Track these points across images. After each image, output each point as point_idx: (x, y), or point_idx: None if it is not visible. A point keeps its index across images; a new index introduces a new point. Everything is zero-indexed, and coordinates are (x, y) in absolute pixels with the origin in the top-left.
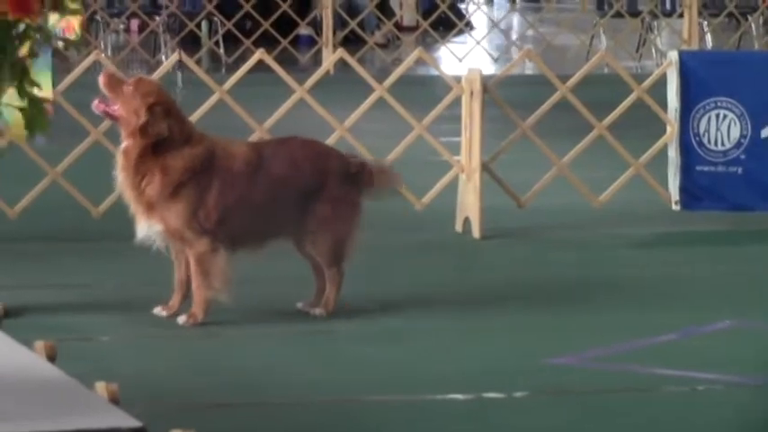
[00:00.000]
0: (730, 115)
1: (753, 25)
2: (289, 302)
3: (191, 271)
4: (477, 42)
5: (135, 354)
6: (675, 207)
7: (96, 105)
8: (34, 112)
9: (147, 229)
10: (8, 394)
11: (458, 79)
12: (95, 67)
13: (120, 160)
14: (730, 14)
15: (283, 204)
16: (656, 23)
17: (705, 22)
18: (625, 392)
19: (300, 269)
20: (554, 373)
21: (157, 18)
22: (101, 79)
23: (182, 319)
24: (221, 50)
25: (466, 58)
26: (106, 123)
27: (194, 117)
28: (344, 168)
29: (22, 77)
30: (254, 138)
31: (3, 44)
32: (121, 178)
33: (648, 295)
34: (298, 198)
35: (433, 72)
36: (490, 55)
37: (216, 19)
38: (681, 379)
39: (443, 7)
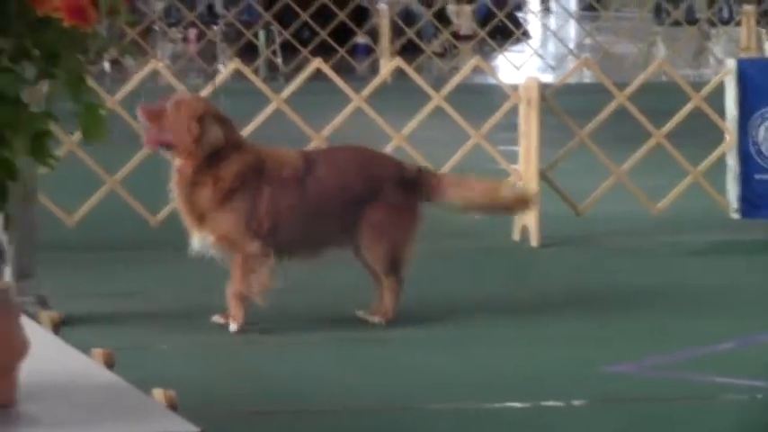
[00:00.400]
0: None
1: None
2: (349, 310)
3: (232, 272)
4: (535, 51)
5: (191, 361)
6: (734, 215)
7: (148, 142)
8: (90, 118)
9: (201, 240)
10: (66, 400)
11: (515, 88)
12: (153, 77)
13: (175, 177)
14: None
15: (336, 212)
16: (713, 31)
17: (763, 30)
18: (684, 401)
19: (361, 277)
20: (612, 381)
21: (215, 27)
22: (140, 115)
23: (232, 327)
24: (278, 59)
25: (523, 67)
26: None
27: (251, 126)
28: (399, 175)
29: (78, 84)
30: (311, 146)
31: (57, 51)
32: (177, 194)
33: (706, 303)
34: (351, 206)
35: (491, 81)
36: (547, 63)
37: (273, 28)
38: (739, 387)
39: (501, 16)
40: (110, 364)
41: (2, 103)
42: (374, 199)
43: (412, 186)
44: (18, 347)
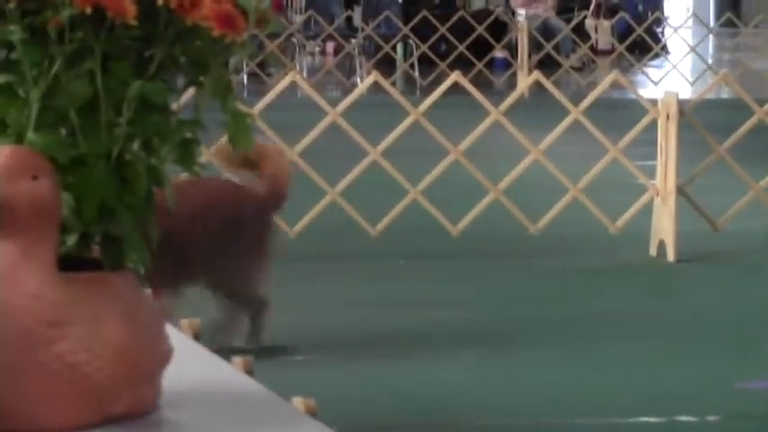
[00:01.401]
0: None
1: None
2: (473, 326)
3: None
4: (674, 66)
5: (327, 373)
6: None
7: None
8: (238, 127)
9: None
10: (210, 406)
11: (654, 102)
12: (292, 89)
13: None
14: None
15: (183, 247)
16: None
17: None
18: None
19: (515, 292)
20: (749, 397)
21: (353, 41)
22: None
23: None
24: (416, 73)
25: (661, 82)
26: (302, 145)
27: (390, 138)
28: (241, 206)
29: (225, 93)
30: (444, 161)
31: (206, 60)
32: None
33: None
34: (195, 241)
35: (629, 95)
36: (686, 79)
37: (411, 41)
38: None
39: (639, 30)
40: (249, 371)
41: (151, 111)
42: (220, 232)
43: (257, 214)
44: (163, 354)
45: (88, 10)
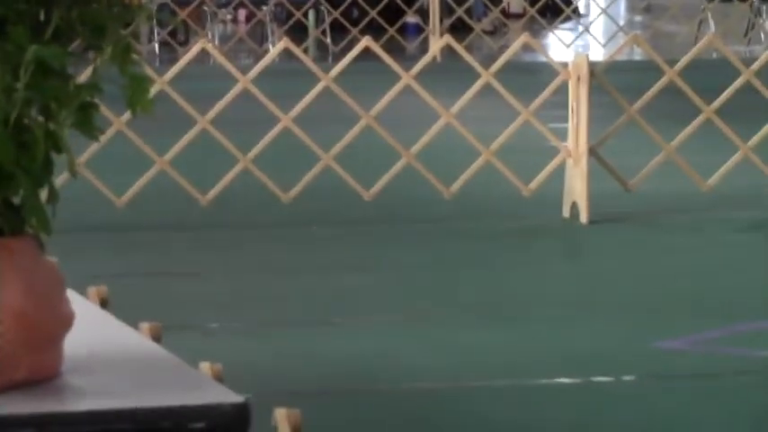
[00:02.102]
0: None
1: None
2: (398, 291)
3: None
4: (585, 29)
5: (242, 340)
6: None
7: None
8: (137, 91)
9: None
10: (112, 372)
11: (565, 65)
12: (203, 57)
13: None
14: None
15: None
16: (764, 8)
17: None
18: (736, 376)
19: (431, 259)
20: (664, 356)
21: (264, 8)
22: None
23: None
24: (328, 39)
25: (573, 45)
26: (214, 112)
27: (300, 105)
28: None
29: (124, 57)
30: (359, 125)
31: (104, 23)
32: None
33: (761, 278)
34: None
35: (540, 58)
36: (597, 41)
37: (323, 8)
38: None
39: None
40: (157, 337)
41: (49, 75)
42: None
43: None
44: (64, 319)
45: None
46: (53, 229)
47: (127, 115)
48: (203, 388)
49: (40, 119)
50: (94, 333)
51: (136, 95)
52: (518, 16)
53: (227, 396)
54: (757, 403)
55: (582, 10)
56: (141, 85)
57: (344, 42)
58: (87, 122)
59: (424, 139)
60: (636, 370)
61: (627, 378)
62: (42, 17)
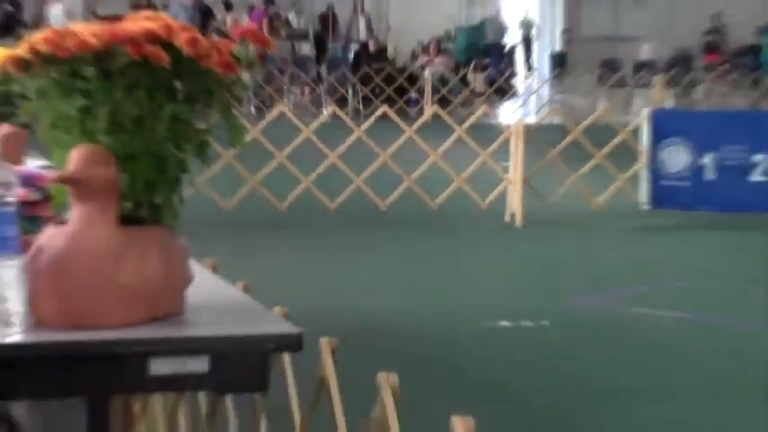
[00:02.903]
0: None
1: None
2: (394, 263)
3: None
4: (523, 102)
5: (297, 292)
6: (645, 207)
7: None
8: (234, 132)
9: None
10: (216, 311)
11: (508, 126)
12: (281, 116)
13: None
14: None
15: None
16: (636, 92)
17: (667, 92)
18: (617, 323)
19: (413, 245)
20: (575, 309)
21: (321, 86)
22: None
23: None
24: (360, 106)
25: (516, 113)
26: (287, 151)
27: (342, 148)
28: None
29: (227, 112)
30: (379, 160)
31: (214, 90)
32: None
33: (633, 258)
34: None
35: (494, 121)
36: (531, 111)
37: (358, 87)
38: (666, 316)
39: (500, 81)
40: (247, 290)
41: (179, 123)
42: None
43: None
44: (186, 278)
45: (137, 58)
46: (181, 221)
47: (231, 150)
48: (275, 323)
49: (173, 151)
50: (206, 287)
51: (235, 137)
52: (480, 94)
53: (289, 328)
54: (630, 343)
55: (521, 91)
56: (239, 131)
57: (370, 109)
58: (203, 154)
59: (420, 169)
60: (553, 318)
61: (544, 323)
62: (176, 85)
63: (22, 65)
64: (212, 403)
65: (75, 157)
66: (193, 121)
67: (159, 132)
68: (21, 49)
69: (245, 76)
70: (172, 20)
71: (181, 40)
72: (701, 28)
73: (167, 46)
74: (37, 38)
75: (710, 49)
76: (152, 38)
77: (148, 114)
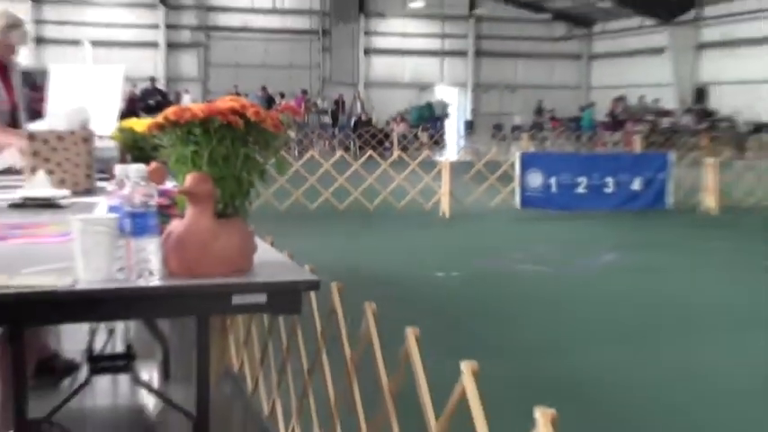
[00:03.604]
0: (539, 173)
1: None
2: (359, 241)
3: None
4: (448, 149)
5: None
6: (518, 206)
7: None
8: (281, 165)
9: None
10: (270, 266)
11: (442, 161)
12: (312, 158)
13: None
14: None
15: None
16: (513, 141)
17: (530, 142)
18: (508, 274)
19: (383, 230)
20: (477, 266)
21: (335, 140)
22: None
23: None
24: (358, 152)
25: (445, 155)
26: (317, 176)
27: (346, 174)
28: None
29: (276, 153)
30: (367, 182)
31: (269, 140)
32: None
33: (515, 237)
34: None
35: (435, 159)
36: (454, 153)
37: (356, 140)
38: (534, 269)
39: (436, 137)
40: (290, 256)
41: (250, 159)
42: None
43: None
44: (253, 247)
45: (225, 122)
46: (252, 216)
47: (282, 177)
48: (305, 274)
49: (246, 176)
50: (266, 254)
51: (281, 169)
52: (425, 144)
53: (312, 276)
54: (510, 285)
55: (449, 142)
56: (283, 165)
57: (363, 153)
58: (263, 177)
59: (391, 187)
60: (465, 271)
61: (460, 274)
62: (248, 138)
63: (160, 127)
64: (270, 322)
65: (189, 180)
66: (257, 158)
67: (237, 165)
68: (159, 118)
69: (292, 134)
70: (246, 101)
71: (250, 112)
72: (547, 109)
73: (242, 116)
74: (168, 112)
75: (553, 119)
76: (233, 111)
77: (231, 154)
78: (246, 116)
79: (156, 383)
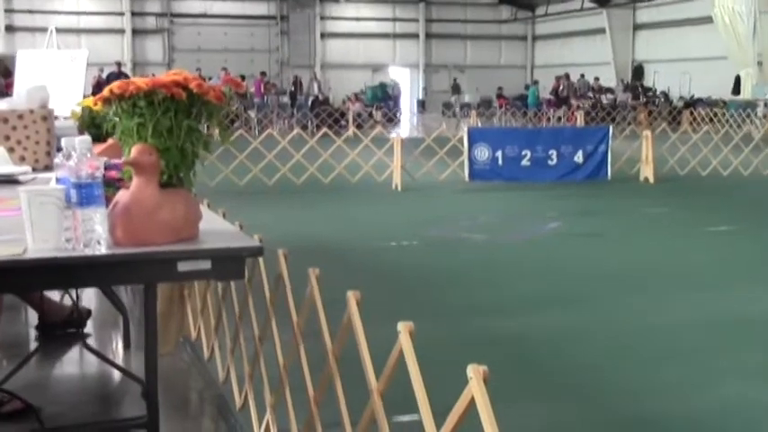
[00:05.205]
0: (486, 147)
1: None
2: (327, 208)
3: None
4: (400, 126)
5: (271, 225)
6: (467, 180)
7: None
8: (224, 135)
9: None
10: (212, 232)
11: (395, 137)
12: (271, 136)
13: None
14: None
15: None
16: (462, 119)
17: (479, 119)
18: (454, 241)
19: (338, 199)
20: (432, 235)
21: (293, 119)
22: None
23: None
24: (315, 129)
25: (397, 131)
26: (273, 154)
27: (303, 151)
28: None
29: (221, 126)
30: (323, 158)
31: (213, 111)
32: None
33: (462, 208)
34: None
35: (387, 135)
36: (405, 130)
37: (313, 119)
38: (479, 238)
39: (389, 115)
40: (241, 227)
41: (193, 131)
42: None
43: None
44: (198, 215)
45: (168, 94)
46: (203, 189)
47: (244, 153)
48: (249, 241)
49: (190, 146)
50: (213, 223)
51: (224, 138)
52: (379, 122)
53: (255, 243)
54: (459, 251)
55: (401, 119)
56: (227, 135)
57: (321, 131)
58: (207, 148)
59: (345, 162)
60: (417, 240)
61: (414, 243)
62: (192, 109)
63: (105, 100)
64: (223, 290)
65: (134, 151)
66: (200, 129)
67: (181, 136)
68: (105, 92)
69: (252, 113)
70: (189, 74)
71: (192, 84)
72: (495, 87)
73: (185, 88)
74: (113, 86)
75: (500, 96)
76: (176, 84)
77: (175, 126)
78: (189, 88)
79: (118, 352)
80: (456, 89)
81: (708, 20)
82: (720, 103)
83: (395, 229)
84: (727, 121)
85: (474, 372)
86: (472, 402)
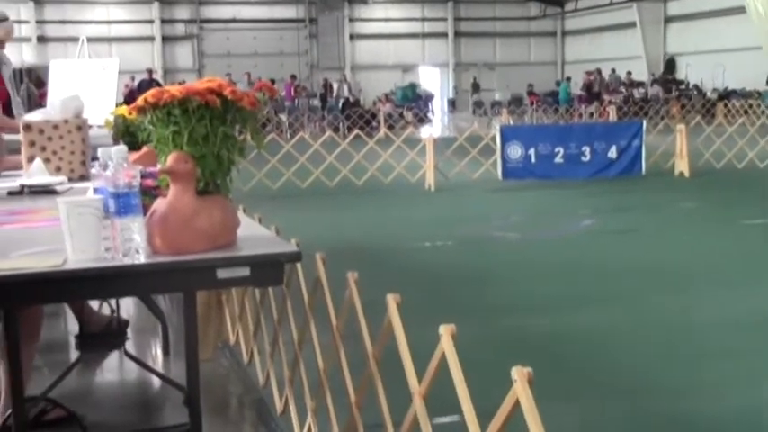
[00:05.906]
0: (518, 145)
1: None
2: (361, 208)
3: None
4: (432, 126)
5: (305, 228)
6: (501, 178)
7: None
8: (258, 141)
9: None
10: (252, 240)
11: (426, 137)
12: (302, 139)
13: None
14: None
15: None
16: (494, 118)
17: (510, 117)
18: (488, 240)
19: (371, 201)
20: (462, 235)
21: (324, 122)
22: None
23: None
24: (346, 131)
25: (429, 131)
26: (305, 157)
27: (335, 153)
28: None
29: (255, 131)
30: (356, 159)
31: (247, 118)
32: None
33: (495, 207)
34: None
35: (418, 135)
36: (437, 129)
37: (344, 121)
38: (509, 236)
39: (420, 114)
40: (277, 231)
41: (228, 138)
42: None
43: None
44: (237, 223)
45: (203, 102)
46: (240, 194)
47: (276, 157)
48: (287, 246)
49: (225, 153)
50: (251, 229)
51: (258, 143)
52: (410, 122)
53: (294, 248)
54: (493, 250)
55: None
56: (260, 140)
57: (353, 133)
58: (242, 154)
59: (378, 163)
60: (451, 240)
61: (448, 243)
62: (226, 116)
63: (140, 109)
64: (262, 295)
65: (170, 159)
66: (236, 135)
67: (216, 143)
68: (139, 101)
69: (283, 116)
70: (223, 81)
71: (227, 91)
72: (525, 85)
73: (219, 95)
74: (147, 94)
75: (530, 93)
76: (210, 91)
77: (210, 133)
78: (224, 95)
79: (158, 359)
80: (476, 88)
81: (740, 10)
82: (755, 94)
83: (429, 230)
84: (763, 112)
85: (519, 374)
86: (517, 404)
